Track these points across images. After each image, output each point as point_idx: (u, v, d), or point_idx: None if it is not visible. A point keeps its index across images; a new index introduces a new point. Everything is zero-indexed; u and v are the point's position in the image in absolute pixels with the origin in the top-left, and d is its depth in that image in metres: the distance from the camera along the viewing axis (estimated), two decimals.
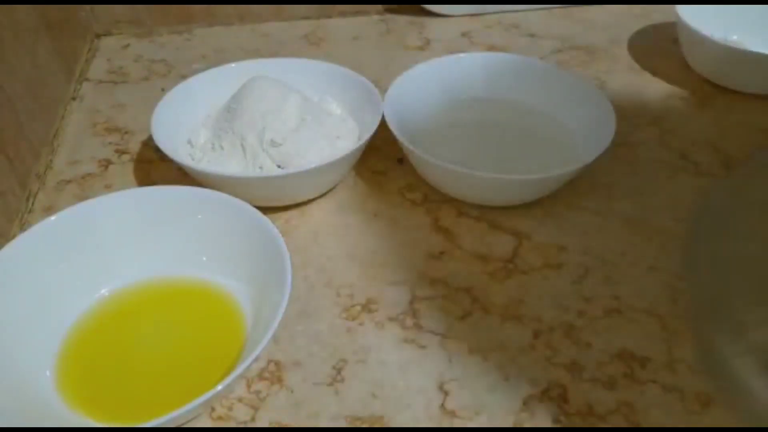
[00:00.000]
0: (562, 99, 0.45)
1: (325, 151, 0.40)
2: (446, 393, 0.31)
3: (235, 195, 0.35)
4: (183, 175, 0.43)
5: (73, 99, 0.52)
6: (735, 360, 0.24)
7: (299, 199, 0.41)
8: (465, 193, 0.40)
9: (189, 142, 0.43)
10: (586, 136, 0.42)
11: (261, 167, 0.39)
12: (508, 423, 0.30)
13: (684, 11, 0.53)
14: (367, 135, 0.39)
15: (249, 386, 0.31)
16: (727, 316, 0.27)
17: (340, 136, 0.41)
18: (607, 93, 0.51)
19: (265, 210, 0.34)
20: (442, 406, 0.30)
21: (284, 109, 0.40)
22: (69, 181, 0.43)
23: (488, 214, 0.40)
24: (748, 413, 0.23)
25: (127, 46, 0.59)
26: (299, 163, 0.39)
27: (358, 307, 0.35)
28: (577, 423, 0.30)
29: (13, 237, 0.36)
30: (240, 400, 0.31)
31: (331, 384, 0.31)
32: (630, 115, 0.50)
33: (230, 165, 0.40)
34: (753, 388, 0.24)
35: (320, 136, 0.40)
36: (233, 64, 0.47)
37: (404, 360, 0.32)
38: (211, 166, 0.40)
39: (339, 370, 0.32)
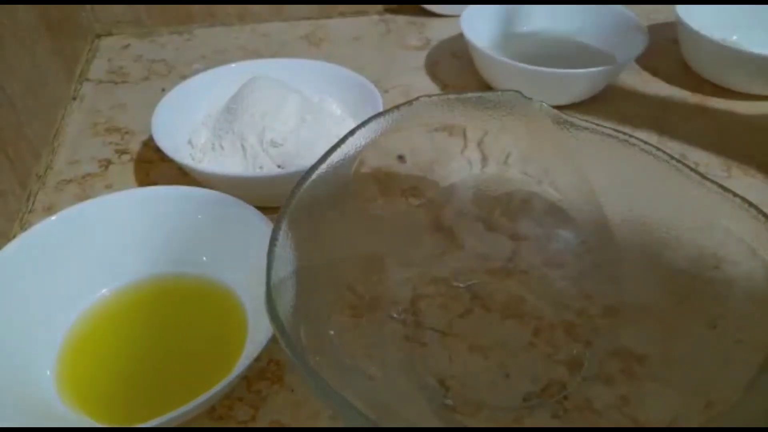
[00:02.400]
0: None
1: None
2: (447, 390, 0.31)
3: (235, 195, 0.35)
4: (183, 175, 0.43)
5: (74, 99, 0.52)
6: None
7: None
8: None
9: (189, 142, 0.43)
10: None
11: (261, 167, 0.40)
12: (507, 420, 0.30)
13: (684, 11, 0.53)
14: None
15: (249, 386, 0.31)
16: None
17: (339, 136, 0.41)
18: (607, 92, 0.52)
19: (266, 210, 0.34)
20: (443, 403, 0.30)
21: (284, 110, 0.40)
22: (69, 181, 0.44)
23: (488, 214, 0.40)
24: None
25: (128, 46, 0.59)
26: (299, 164, 0.39)
27: (359, 306, 0.35)
28: (576, 419, 0.30)
29: (14, 237, 0.37)
30: (240, 399, 0.31)
31: None
32: (630, 115, 0.50)
33: (230, 165, 0.40)
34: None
35: (320, 136, 0.40)
36: (233, 65, 0.47)
37: (405, 357, 0.32)
38: (212, 166, 0.40)
39: None
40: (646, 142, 0.31)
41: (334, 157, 0.30)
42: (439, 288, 0.36)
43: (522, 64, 0.47)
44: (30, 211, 0.41)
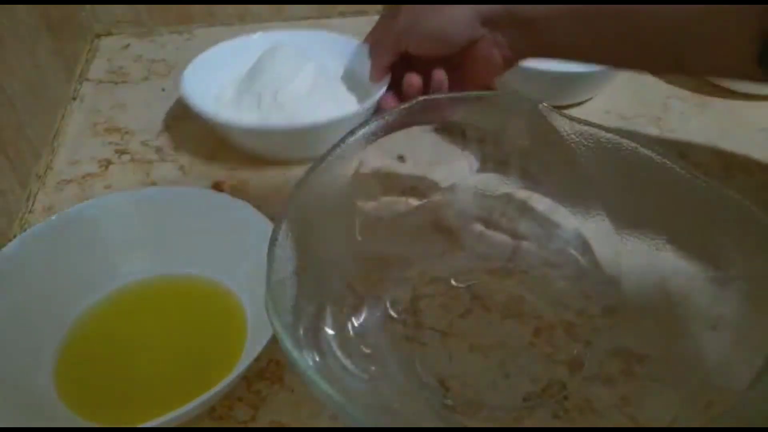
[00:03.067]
0: None
1: (333, 113, 0.42)
2: (447, 390, 0.31)
3: (250, 146, 0.42)
4: (183, 175, 0.43)
5: (74, 99, 0.52)
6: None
7: (305, 155, 0.42)
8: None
9: (215, 99, 0.46)
10: None
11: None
12: (508, 420, 0.30)
13: None
14: (373, 99, 0.42)
15: (249, 386, 0.31)
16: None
17: (348, 101, 0.46)
18: (606, 92, 0.52)
19: (275, 165, 0.34)
20: (443, 403, 0.30)
21: (299, 75, 0.45)
22: (69, 181, 0.44)
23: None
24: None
25: (128, 46, 0.59)
26: (307, 120, 0.42)
27: (359, 306, 0.35)
28: (576, 419, 0.30)
29: (14, 237, 0.37)
30: (240, 400, 0.31)
31: None
32: (630, 116, 0.50)
33: (248, 120, 0.44)
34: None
35: (330, 100, 0.44)
36: (255, 35, 0.50)
37: (405, 357, 0.32)
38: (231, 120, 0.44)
39: None
40: (646, 143, 0.31)
41: (334, 157, 0.30)
42: (439, 288, 0.36)
43: (524, 64, 0.47)
44: (30, 211, 0.41)
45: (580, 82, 0.49)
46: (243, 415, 0.30)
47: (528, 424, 0.30)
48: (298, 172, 0.32)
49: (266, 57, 0.46)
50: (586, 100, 0.51)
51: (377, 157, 0.42)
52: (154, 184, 0.43)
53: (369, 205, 0.41)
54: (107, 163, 0.45)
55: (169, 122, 0.49)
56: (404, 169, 0.43)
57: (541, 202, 0.40)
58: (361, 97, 0.46)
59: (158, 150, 0.46)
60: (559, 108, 0.34)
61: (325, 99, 0.44)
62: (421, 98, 0.34)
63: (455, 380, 0.31)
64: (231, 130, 0.43)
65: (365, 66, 0.45)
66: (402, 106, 0.33)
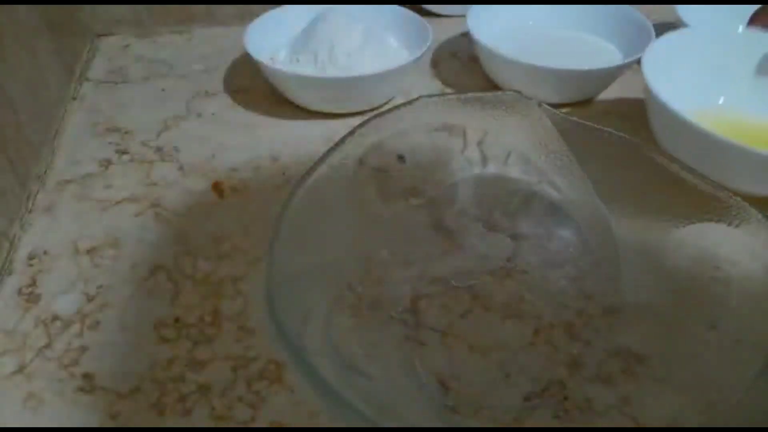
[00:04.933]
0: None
1: (384, 66, 0.48)
2: (447, 390, 0.31)
3: (304, 96, 0.48)
4: (183, 176, 0.43)
5: (74, 99, 0.52)
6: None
7: (358, 108, 0.50)
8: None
9: (271, 59, 0.51)
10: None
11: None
12: (508, 420, 0.30)
13: (684, 11, 0.53)
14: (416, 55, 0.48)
15: (249, 386, 0.31)
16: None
17: (395, 57, 0.51)
18: (607, 93, 0.52)
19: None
20: (444, 404, 0.30)
21: (350, 34, 0.50)
22: (69, 181, 0.44)
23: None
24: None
25: (128, 46, 0.59)
26: (358, 74, 0.48)
27: (359, 306, 0.35)
28: (576, 419, 0.30)
29: (14, 237, 0.37)
30: (240, 399, 0.31)
31: None
32: (630, 116, 0.50)
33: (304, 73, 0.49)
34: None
35: (378, 57, 0.50)
36: (306, 7, 0.54)
37: (404, 357, 0.32)
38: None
39: None
40: (646, 142, 0.31)
41: (335, 157, 0.30)
42: (439, 288, 0.36)
43: (529, 62, 0.47)
44: (30, 211, 0.41)
45: (581, 82, 0.49)
46: (243, 415, 0.30)
47: (528, 424, 0.30)
48: (297, 171, 0.32)
49: (319, 19, 0.51)
50: (587, 100, 0.51)
51: (377, 157, 0.42)
52: (154, 184, 0.43)
53: (369, 205, 0.41)
54: (107, 163, 0.45)
55: (169, 122, 0.49)
56: (404, 169, 0.44)
57: (541, 202, 0.41)
58: (405, 58, 0.51)
59: (158, 150, 0.46)
60: (564, 106, 0.34)
61: (374, 55, 0.50)
62: (421, 98, 0.34)
63: (455, 381, 0.31)
64: (294, 82, 0.48)
65: (402, 26, 0.53)
66: (402, 106, 0.33)
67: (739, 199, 0.28)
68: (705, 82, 0.45)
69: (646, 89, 0.41)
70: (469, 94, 0.35)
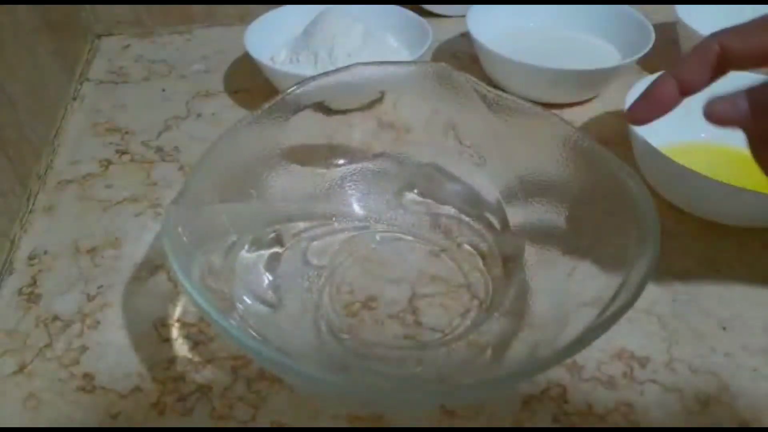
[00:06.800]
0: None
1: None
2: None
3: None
4: (183, 176, 0.43)
5: (74, 99, 0.52)
6: None
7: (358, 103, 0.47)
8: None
9: (271, 59, 0.51)
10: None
11: None
12: (507, 423, 0.30)
13: (684, 11, 0.53)
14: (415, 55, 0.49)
15: (249, 386, 0.31)
16: None
17: (394, 56, 0.51)
18: (607, 93, 0.52)
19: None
20: (442, 405, 0.30)
21: (350, 34, 0.50)
22: (69, 181, 0.44)
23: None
24: None
25: (128, 46, 0.59)
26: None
27: (358, 305, 0.35)
28: (576, 422, 0.30)
29: (14, 237, 0.37)
30: (240, 399, 0.31)
31: None
32: None
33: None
34: None
35: (378, 57, 0.48)
36: (306, 6, 0.55)
37: (405, 357, 0.32)
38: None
39: None
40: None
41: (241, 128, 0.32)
42: (439, 288, 0.36)
43: (529, 62, 0.47)
44: (30, 211, 0.41)
45: (581, 82, 0.49)
46: (243, 415, 0.30)
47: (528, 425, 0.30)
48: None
49: (319, 19, 0.51)
50: (587, 100, 0.51)
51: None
52: (154, 184, 0.43)
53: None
54: (107, 163, 0.45)
55: (169, 122, 0.49)
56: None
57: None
58: (404, 53, 0.52)
59: (158, 150, 0.46)
60: (560, 107, 0.34)
61: (374, 55, 0.50)
62: (358, 64, 0.35)
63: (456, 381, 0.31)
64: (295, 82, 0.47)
65: (402, 26, 0.54)
66: (340, 69, 0.35)
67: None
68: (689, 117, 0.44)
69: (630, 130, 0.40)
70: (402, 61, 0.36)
